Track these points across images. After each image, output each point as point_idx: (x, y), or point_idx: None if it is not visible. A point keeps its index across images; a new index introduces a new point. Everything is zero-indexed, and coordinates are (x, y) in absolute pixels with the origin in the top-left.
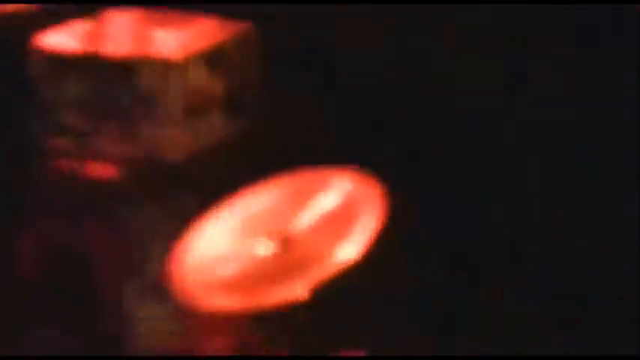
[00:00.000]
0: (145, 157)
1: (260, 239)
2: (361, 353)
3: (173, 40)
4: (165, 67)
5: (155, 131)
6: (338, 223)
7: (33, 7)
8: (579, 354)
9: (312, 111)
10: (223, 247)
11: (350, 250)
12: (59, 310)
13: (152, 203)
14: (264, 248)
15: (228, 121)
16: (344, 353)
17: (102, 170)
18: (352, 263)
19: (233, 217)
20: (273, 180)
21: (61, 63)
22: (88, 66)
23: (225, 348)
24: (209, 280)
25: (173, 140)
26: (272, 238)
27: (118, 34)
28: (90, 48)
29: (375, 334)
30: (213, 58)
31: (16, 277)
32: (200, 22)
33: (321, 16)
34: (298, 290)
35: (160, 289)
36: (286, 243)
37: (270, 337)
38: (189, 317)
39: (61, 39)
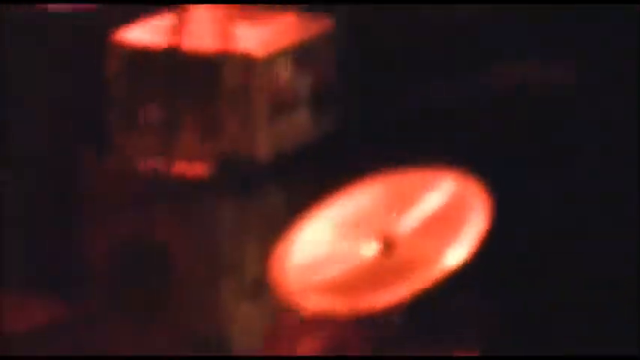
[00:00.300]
0: (229, 154)
1: (363, 240)
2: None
3: (257, 36)
4: (249, 63)
5: (240, 128)
6: (443, 225)
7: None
8: (579, 354)
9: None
10: (325, 248)
11: (457, 253)
12: (147, 311)
13: (238, 202)
14: (368, 250)
15: (315, 119)
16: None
17: (186, 168)
18: (459, 267)
19: (335, 217)
20: (374, 180)
21: (142, 59)
22: (170, 62)
23: (324, 350)
24: (310, 281)
25: (259, 137)
26: (375, 239)
27: (201, 30)
28: (172, 43)
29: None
30: (297, 55)
31: (101, 278)
32: (283, 18)
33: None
34: (402, 293)
35: (254, 288)
36: (390, 245)
37: (371, 341)
38: (287, 318)
39: (142, 34)
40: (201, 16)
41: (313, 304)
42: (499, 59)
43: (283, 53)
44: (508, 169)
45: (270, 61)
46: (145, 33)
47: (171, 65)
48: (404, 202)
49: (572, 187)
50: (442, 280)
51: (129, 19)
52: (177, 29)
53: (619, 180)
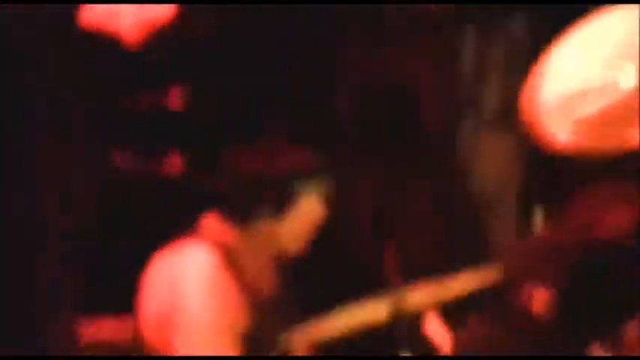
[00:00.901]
0: None
1: (624, 69)
2: None
3: None
4: None
5: None
6: None
7: None
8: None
9: None
10: (578, 79)
11: None
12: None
13: (481, 33)
14: (626, 79)
15: None
16: None
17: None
18: None
19: (587, 46)
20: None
21: None
22: None
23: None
24: (564, 115)
25: None
26: (635, 66)
27: None
28: None
29: None
30: None
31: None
32: None
33: None
34: None
35: (499, 122)
36: None
37: None
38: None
39: None
40: None
41: (567, 141)
42: None
43: None
44: None
45: None
46: None
47: None
48: None
49: None
50: None
51: None
52: None
53: None
